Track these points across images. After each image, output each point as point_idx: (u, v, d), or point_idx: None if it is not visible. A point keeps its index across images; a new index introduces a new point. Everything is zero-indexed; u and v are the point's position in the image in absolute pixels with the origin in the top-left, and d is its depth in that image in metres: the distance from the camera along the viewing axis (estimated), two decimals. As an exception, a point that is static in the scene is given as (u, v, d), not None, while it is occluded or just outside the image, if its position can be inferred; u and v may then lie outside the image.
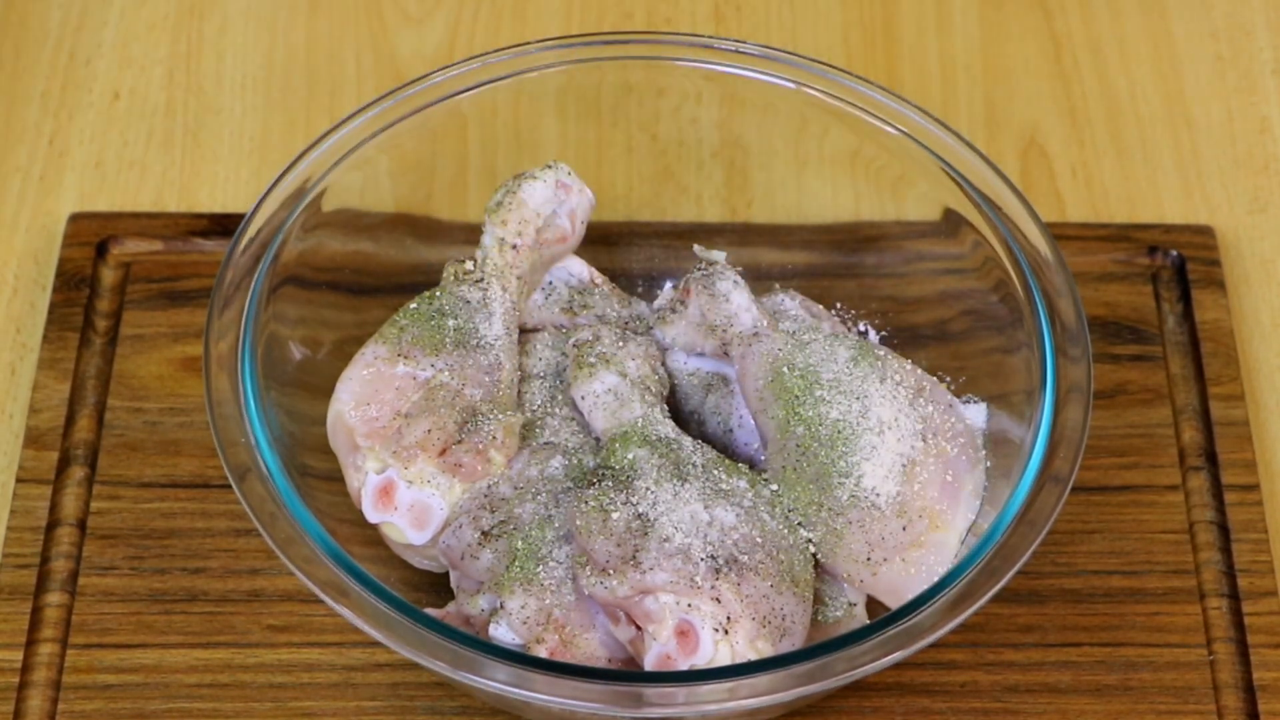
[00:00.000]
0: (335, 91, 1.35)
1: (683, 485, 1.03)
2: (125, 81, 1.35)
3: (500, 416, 1.07)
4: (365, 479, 1.07)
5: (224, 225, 1.25)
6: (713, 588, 1.00)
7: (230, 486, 1.03)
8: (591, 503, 1.02)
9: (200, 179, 1.31)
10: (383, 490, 1.07)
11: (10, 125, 1.33)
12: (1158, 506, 1.16)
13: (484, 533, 1.05)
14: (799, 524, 1.05)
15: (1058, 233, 1.20)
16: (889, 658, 0.98)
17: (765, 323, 1.12)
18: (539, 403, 1.11)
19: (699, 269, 1.13)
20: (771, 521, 1.04)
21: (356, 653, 1.11)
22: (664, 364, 1.13)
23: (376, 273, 1.16)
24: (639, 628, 1.01)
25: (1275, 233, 1.29)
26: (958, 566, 1.01)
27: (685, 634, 0.99)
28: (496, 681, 0.97)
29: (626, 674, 1.00)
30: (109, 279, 1.24)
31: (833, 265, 1.20)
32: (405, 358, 1.08)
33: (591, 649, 1.03)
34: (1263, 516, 1.16)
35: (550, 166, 1.13)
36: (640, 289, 1.21)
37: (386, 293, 1.14)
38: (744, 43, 1.17)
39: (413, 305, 1.11)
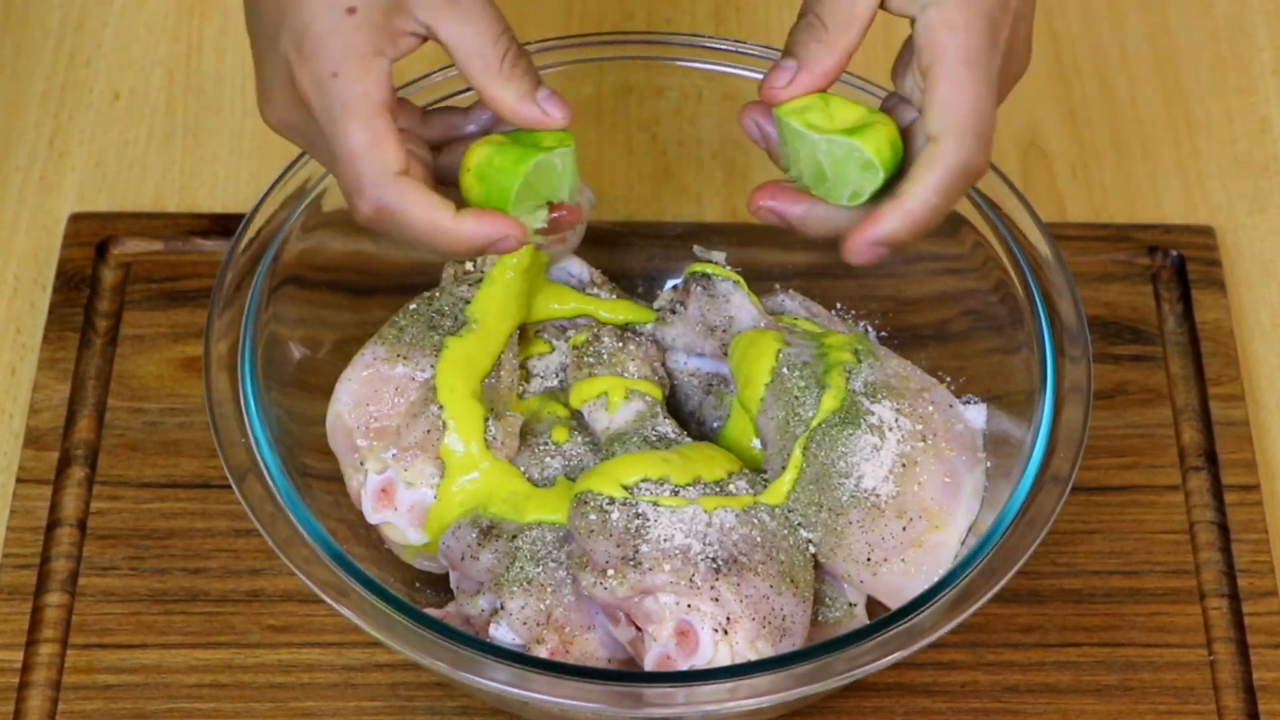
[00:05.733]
0: (335, 91, 1.35)
1: (682, 485, 1.03)
2: (125, 81, 1.35)
3: (500, 417, 1.07)
4: (365, 479, 1.07)
5: (224, 225, 1.25)
6: (712, 588, 1.00)
7: (230, 486, 1.03)
8: (591, 503, 1.02)
9: (200, 179, 1.31)
10: (383, 490, 1.07)
11: (10, 125, 1.33)
12: (1158, 506, 1.16)
13: (484, 533, 1.05)
14: (799, 524, 1.05)
15: (1058, 233, 1.20)
16: (889, 658, 0.98)
17: (765, 323, 1.12)
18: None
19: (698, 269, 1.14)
20: (771, 522, 1.04)
21: (356, 653, 1.11)
22: (664, 364, 1.13)
23: (376, 273, 1.16)
24: (639, 628, 1.01)
25: (1275, 233, 1.29)
26: (958, 566, 1.01)
27: (685, 634, 0.99)
28: (496, 681, 0.97)
29: (626, 674, 1.00)
30: (109, 279, 1.24)
31: (833, 265, 1.19)
32: (404, 358, 1.08)
33: (591, 649, 1.03)
34: (1263, 516, 1.16)
35: (550, 166, 1.13)
36: (640, 289, 1.21)
37: (386, 293, 1.14)
38: (744, 43, 1.17)
39: (412, 306, 1.11)
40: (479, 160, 0.95)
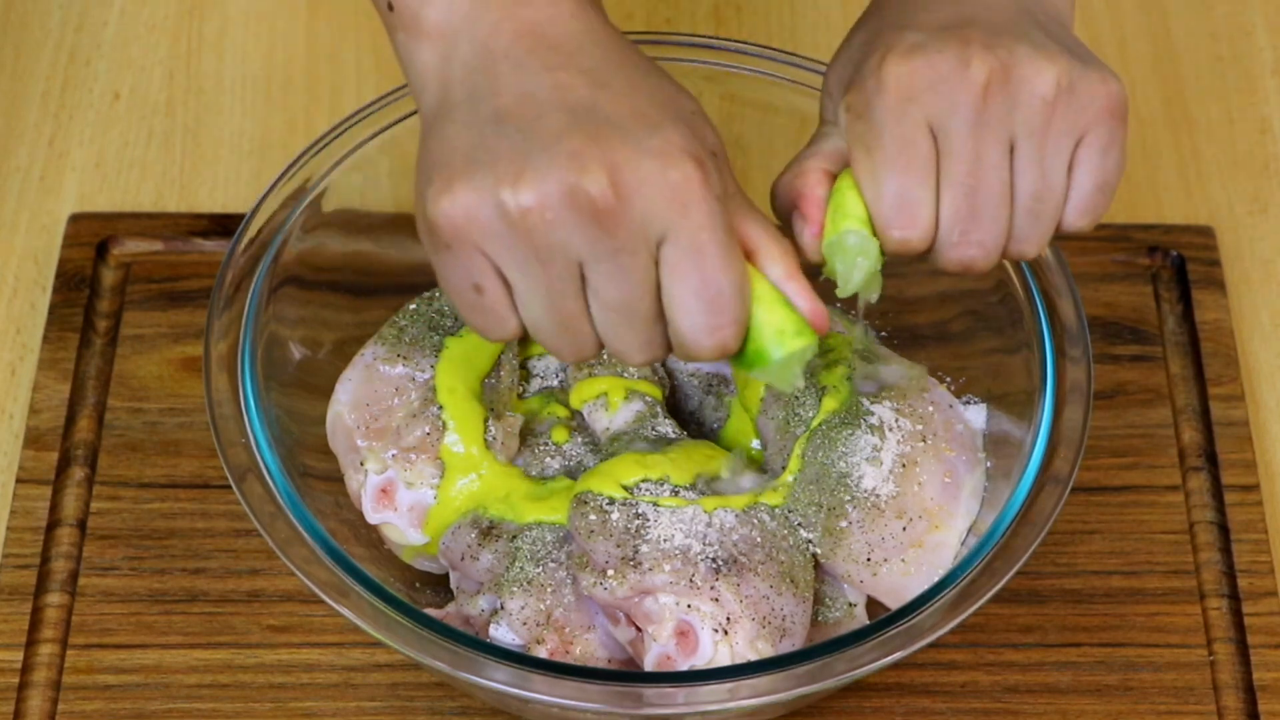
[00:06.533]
0: (335, 91, 1.35)
1: (682, 485, 1.03)
2: (125, 81, 1.35)
3: (500, 417, 1.07)
4: (365, 479, 1.07)
5: (224, 225, 1.25)
6: (712, 588, 1.00)
7: (230, 486, 1.03)
8: (591, 503, 1.02)
9: (200, 179, 1.31)
10: (383, 491, 1.07)
11: (10, 125, 1.33)
12: (1158, 506, 1.17)
13: (483, 533, 1.05)
14: (799, 524, 1.05)
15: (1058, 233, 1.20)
16: (889, 658, 0.98)
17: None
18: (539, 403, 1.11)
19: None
20: (771, 522, 1.04)
21: (356, 653, 1.11)
22: (664, 364, 1.13)
23: (376, 273, 1.16)
24: (639, 628, 1.01)
25: (1275, 233, 1.29)
26: (958, 566, 1.01)
27: (685, 634, 0.99)
28: (496, 681, 0.97)
29: (626, 674, 1.00)
30: (109, 279, 1.24)
31: (833, 265, 1.20)
32: (405, 358, 1.08)
33: (591, 649, 1.03)
34: (1263, 516, 1.16)
35: (550, 167, 1.13)
36: (640, 289, 1.20)
37: (386, 293, 1.14)
38: (744, 43, 1.17)
39: (412, 306, 1.11)
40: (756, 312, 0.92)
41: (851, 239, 0.94)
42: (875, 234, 0.94)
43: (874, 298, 0.97)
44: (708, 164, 0.88)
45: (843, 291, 0.96)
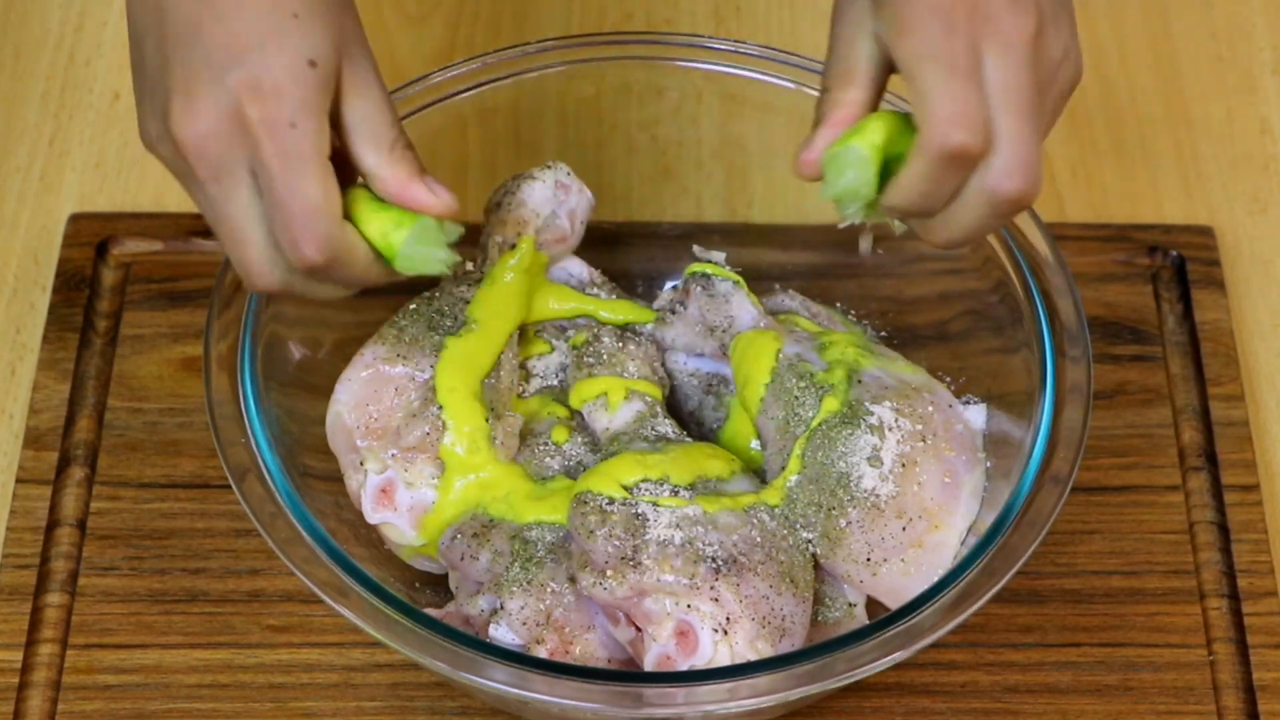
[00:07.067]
0: (335, 91, 1.35)
1: (682, 485, 1.03)
2: (125, 81, 1.35)
3: (500, 417, 1.07)
4: (365, 479, 1.07)
5: (224, 225, 1.25)
6: (712, 588, 1.00)
7: (230, 486, 1.03)
8: (591, 503, 1.02)
9: (200, 179, 1.31)
10: (382, 490, 1.07)
11: (10, 125, 1.33)
12: (1158, 506, 1.17)
13: (483, 533, 1.05)
14: (799, 524, 1.05)
15: (1058, 233, 1.20)
16: (889, 658, 0.98)
17: (765, 323, 1.12)
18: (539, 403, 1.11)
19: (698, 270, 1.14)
20: (771, 522, 1.04)
21: (356, 653, 1.11)
22: (664, 364, 1.13)
23: (376, 273, 1.15)
24: (639, 628, 1.01)
25: (1275, 233, 1.29)
26: (958, 566, 1.01)
27: (685, 634, 0.99)
28: (496, 682, 0.97)
29: (626, 674, 1.00)
30: (109, 279, 1.24)
31: (833, 265, 1.20)
32: (404, 358, 1.08)
33: (591, 649, 1.03)
34: (1263, 516, 1.16)
35: (549, 166, 1.13)
36: (640, 289, 1.21)
37: (386, 293, 1.13)
38: (744, 43, 1.17)
39: (412, 306, 1.11)
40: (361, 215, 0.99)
41: (853, 153, 0.96)
42: (886, 164, 0.96)
43: (855, 218, 0.98)
44: (283, 95, 0.94)
45: (823, 193, 0.97)
